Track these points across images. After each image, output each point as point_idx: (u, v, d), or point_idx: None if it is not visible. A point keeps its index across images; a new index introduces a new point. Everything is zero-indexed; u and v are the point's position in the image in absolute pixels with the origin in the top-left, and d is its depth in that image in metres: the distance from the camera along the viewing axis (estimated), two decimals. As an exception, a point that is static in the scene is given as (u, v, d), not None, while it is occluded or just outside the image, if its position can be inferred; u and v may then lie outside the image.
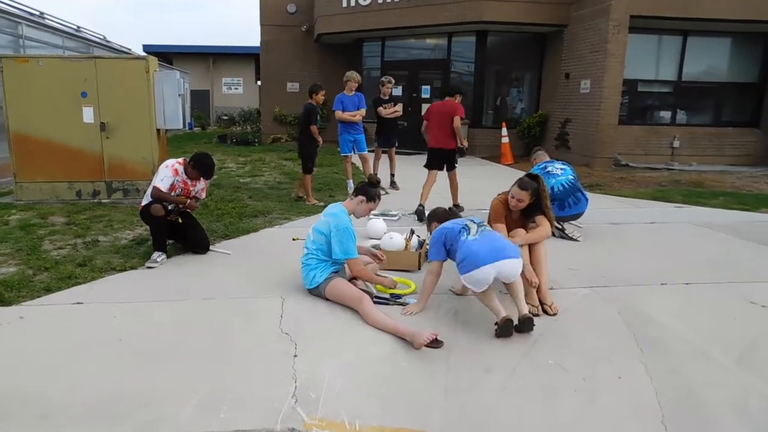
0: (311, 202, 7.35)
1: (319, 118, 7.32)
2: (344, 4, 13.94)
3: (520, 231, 4.27)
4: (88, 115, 6.69)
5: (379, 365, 3.15)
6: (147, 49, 25.67)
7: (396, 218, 6.61)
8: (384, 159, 9.09)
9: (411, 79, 14.64)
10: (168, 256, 4.89)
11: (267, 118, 16.48)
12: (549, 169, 6.10)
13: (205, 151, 4.95)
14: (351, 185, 8.50)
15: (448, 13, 12.61)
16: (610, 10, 11.06)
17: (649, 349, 3.41)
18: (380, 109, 8.54)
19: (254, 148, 14.21)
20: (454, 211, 3.93)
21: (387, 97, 8.68)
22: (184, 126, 7.38)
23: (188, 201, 4.91)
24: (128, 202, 6.92)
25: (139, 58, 6.83)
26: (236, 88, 27.77)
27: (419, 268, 4.77)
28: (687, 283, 4.58)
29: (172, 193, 4.85)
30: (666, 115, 13.03)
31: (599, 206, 7.66)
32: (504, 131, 12.76)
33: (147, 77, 6.71)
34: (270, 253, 5.17)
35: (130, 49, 22.22)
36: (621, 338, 3.58)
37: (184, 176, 4.87)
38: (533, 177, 4.36)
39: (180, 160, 4.91)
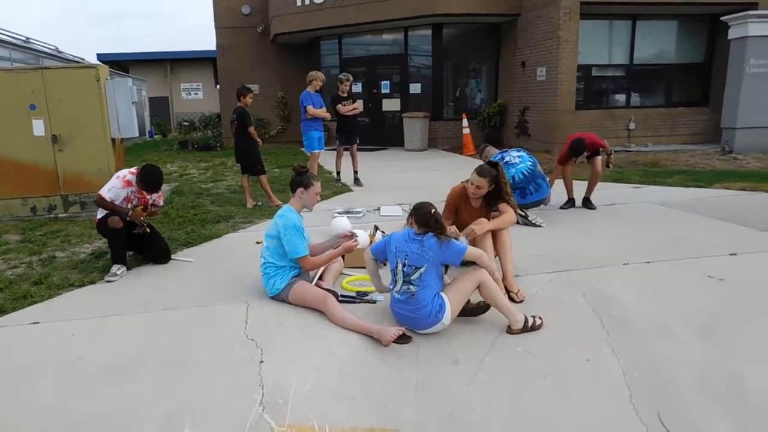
0: (275, 203, 7.24)
1: (252, 119, 7.18)
2: (298, 3, 13.79)
3: (483, 220, 4.29)
4: (38, 127, 6.45)
5: (348, 365, 3.12)
6: (102, 58, 24.94)
7: (360, 215, 6.58)
8: (346, 156, 9.02)
9: (370, 75, 14.60)
10: (128, 268, 4.76)
11: (228, 121, 16.20)
12: (507, 159, 6.15)
13: (153, 164, 4.80)
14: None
15: (402, 8, 12.60)
16: (560, -2, 11.22)
17: (615, 330, 3.47)
18: (339, 106, 8.47)
19: (216, 153, 13.97)
20: (433, 217, 3.72)
21: (346, 95, 8.62)
22: (141, 134, 7.16)
23: (131, 211, 4.68)
24: (86, 214, 6.71)
25: (88, 66, 6.58)
26: (196, 93, 27.28)
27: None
28: (648, 262, 4.68)
29: (128, 205, 4.71)
30: (621, 98, 13.31)
31: (560, 191, 7.77)
32: (465, 122, 12.84)
33: (98, 86, 6.51)
34: (233, 258, 5.08)
35: (83, 59, 21.58)
36: (587, 321, 3.64)
37: (138, 186, 4.74)
38: (493, 164, 4.39)
39: (133, 170, 4.76)
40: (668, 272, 4.45)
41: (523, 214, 5.98)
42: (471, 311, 3.65)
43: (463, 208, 4.61)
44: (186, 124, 19.93)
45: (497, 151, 6.48)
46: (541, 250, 5.09)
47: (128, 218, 4.70)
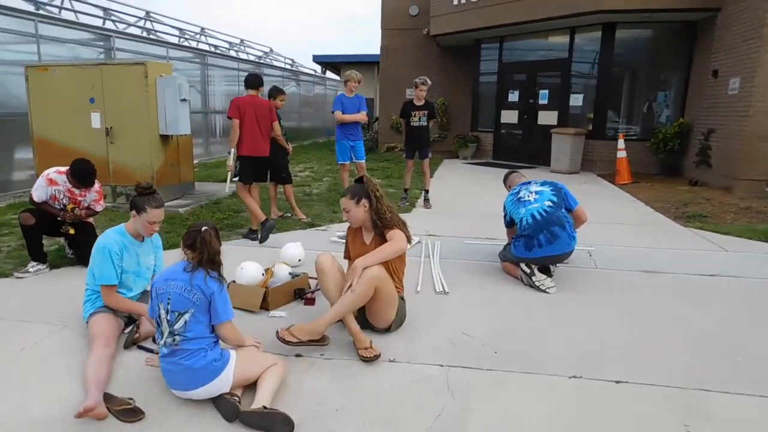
0: (299, 217, 6.65)
1: (282, 123, 6.52)
2: (455, 2, 12.86)
3: (357, 263, 3.20)
4: (95, 120, 6.92)
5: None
6: (316, 59, 27.13)
7: (414, 243, 5.56)
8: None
9: (529, 83, 12.93)
10: (57, 266, 4.69)
11: (384, 126, 16.09)
12: (521, 195, 4.60)
13: (84, 158, 4.58)
14: None
15: (558, 4, 10.80)
16: (769, -17, 8.33)
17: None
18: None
19: (359, 156, 13.81)
20: (200, 236, 2.77)
21: (422, 102, 7.53)
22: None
23: (63, 213, 4.58)
24: (127, 207, 6.98)
25: (138, 63, 6.83)
26: (404, 95, 27.93)
27: (268, 309, 3.83)
28: (617, 381, 2.93)
29: (55, 204, 4.61)
30: None
31: (659, 245, 5.70)
32: (620, 144, 10.48)
33: (146, 83, 6.71)
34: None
35: (292, 60, 23.79)
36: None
37: (68, 185, 4.59)
38: (359, 179, 3.45)
39: (62, 168, 4.62)
40: (628, 406, 2.69)
41: (528, 271, 4.36)
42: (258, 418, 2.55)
43: (352, 243, 3.63)
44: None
45: (523, 180, 4.92)
46: (484, 328, 3.60)
47: (60, 218, 4.62)
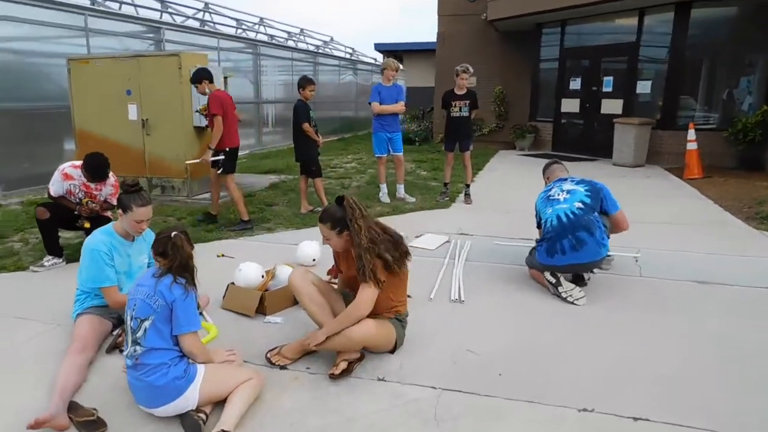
0: (329, 212, 6.40)
1: (312, 115, 6.27)
2: (514, -15, 12.21)
3: (318, 333, 2.88)
4: (132, 112, 6.95)
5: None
6: (378, 47, 26.88)
7: (441, 242, 5.32)
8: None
9: (592, 70, 12.08)
10: (75, 260, 4.65)
11: (439, 115, 15.55)
12: (552, 192, 4.13)
13: (97, 152, 4.49)
14: (384, 190, 7.23)
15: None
16: None
17: None
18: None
19: (411, 147, 13.45)
20: (171, 242, 2.61)
21: (464, 92, 7.09)
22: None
23: (79, 207, 4.54)
24: (161, 199, 7.01)
25: (172, 54, 6.77)
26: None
27: (264, 314, 3.60)
28: (635, 418, 2.49)
29: (71, 198, 4.58)
30: None
31: (721, 250, 5.06)
32: (691, 134, 9.54)
33: (179, 74, 6.65)
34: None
35: (352, 49, 23.63)
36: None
37: (83, 179, 4.54)
38: (339, 200, 2.97)
39: (77, 162, 4.57)
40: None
41: (553, 281, 3.90)
42: None
43: (341, 259, 3.24)
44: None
45: (564, 174, 4.41)
46: (494, 344, 3.21)
47: (76, 212, 4.59)
